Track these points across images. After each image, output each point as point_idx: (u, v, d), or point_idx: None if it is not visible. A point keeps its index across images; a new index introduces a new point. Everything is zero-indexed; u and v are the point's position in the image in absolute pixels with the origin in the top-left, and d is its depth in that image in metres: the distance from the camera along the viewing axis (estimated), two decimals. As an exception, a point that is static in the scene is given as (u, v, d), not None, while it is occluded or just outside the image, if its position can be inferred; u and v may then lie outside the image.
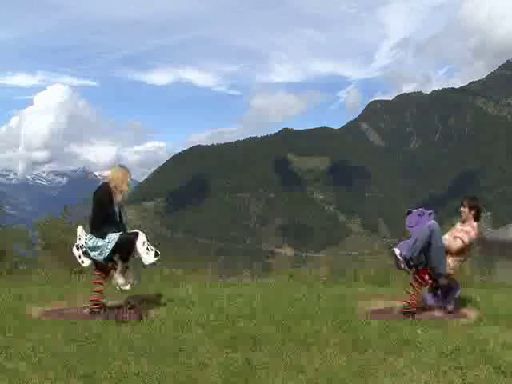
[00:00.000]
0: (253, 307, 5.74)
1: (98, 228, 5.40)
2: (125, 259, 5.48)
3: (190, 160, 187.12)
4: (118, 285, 5.47)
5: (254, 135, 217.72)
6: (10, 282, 8.05)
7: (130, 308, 5.45)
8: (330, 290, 7.44)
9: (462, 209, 5.68)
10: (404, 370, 3.59)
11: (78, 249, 5.49)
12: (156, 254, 5.44)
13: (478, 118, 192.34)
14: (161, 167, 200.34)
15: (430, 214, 5.59)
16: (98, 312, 5.40)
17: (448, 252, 5.43)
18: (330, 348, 4.10)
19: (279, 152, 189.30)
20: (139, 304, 5.73)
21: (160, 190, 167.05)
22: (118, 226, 5.53)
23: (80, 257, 5.48)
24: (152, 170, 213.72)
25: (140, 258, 5.47)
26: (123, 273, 5.49)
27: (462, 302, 6.14)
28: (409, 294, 5.47)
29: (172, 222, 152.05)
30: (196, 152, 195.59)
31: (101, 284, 5.54)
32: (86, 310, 5.51)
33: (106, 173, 6.04)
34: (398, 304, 5.63)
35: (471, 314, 5.45)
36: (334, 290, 7.40)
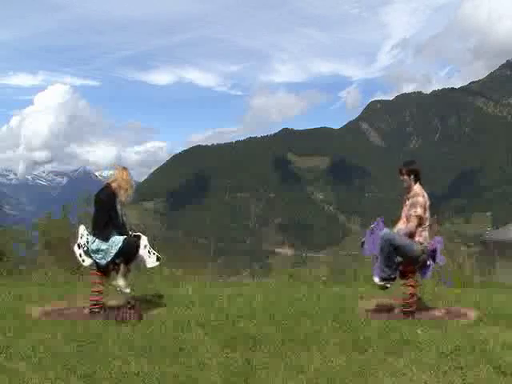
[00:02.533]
0: (253, 307, 5.74)
1: (101, 230, 5.37)
2: (127, 262, 5.47)
3: (190, 160, 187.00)
4: (119, 287, 5.46)
5: (254, 135, 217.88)
6: (10, 282, 8.05)
7: (130, 308, 5.45)
8: (329, 289, 7.44)
9: (401, 177, 5.58)
10: (404, 369, 3.59)
11: (79, 247, 5.46)
12: (158, 259, 5.47)
13: (478, 117, 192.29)
14: (161, 167, 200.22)
15: (377, 224, 5.65)
16: (98, 312, 5.40)
17: (412, 234, 5.41)
18: (330, 348, 4.11)
19: (279, 152, 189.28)
20: (139, 304, 5.74)
21: (160, 190, 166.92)
22: (120, 228, 5.49)
23: (81, 255, 5.45)
24: (152, 169, 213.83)
25: (142, 261, 5.49)
26: (125, 276, 5.48)
27: (462, 302, 6.14)
28: (407, 294, 5.47)
29: (172, 221, 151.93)
30: (196, 152, 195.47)
31: (100, 284, 5.54)
32: (86, 310, 5.51)
33: (109, 173, 6.03)
34: (398, 304, 5.63)
35: (471, 313, 5.45)
36: (334, 289, 7.40)
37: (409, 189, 5.59)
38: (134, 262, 5.55)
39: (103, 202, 5.43)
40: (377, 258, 5.54)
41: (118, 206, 5.53)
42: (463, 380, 3.40)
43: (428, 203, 5.49)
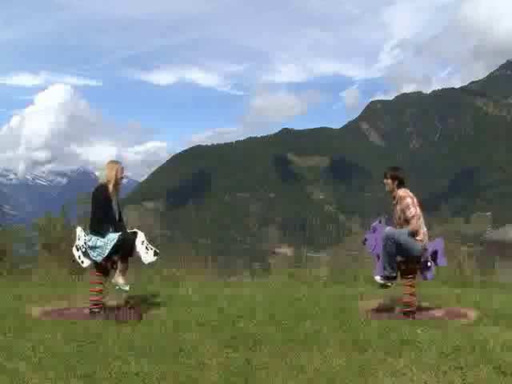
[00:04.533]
0: (253, 307, 5.74)
1: (97, 228, 5.42)
2: (124, 259, 5.49)
3: (189, 160, 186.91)
4: (118, 285, 5.48)
5: (254, 135, 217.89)
6: (10, 282, 8.05)
7: (129, 308, 5.45)
8: (329, 289, 7.44)
9: (385, 181, 5.66)
10: (404, 369, 3.59)
11: (77, 249, 5.50)
12: (155, 253, 5.47)
13: (478, 118, 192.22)
14: (161, 167, 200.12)
15: (379, 222, 5.66)
16: (98, 312, 5.40)
17: (415, 233, 5.44)
18: (330, 348, 4.10)
19: (279, 152, 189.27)
20: (139, 304, 5.74)
21: (160, 190, 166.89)
22: (117, 225, 5.55)
23: (80, 257, 5.49)
24: (152, 170, 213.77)
25: (139, 258, 5.50)
26: (123, 273, 5.50)
27: (462, 302, 6.14)
28: (407, 294, 5.47)
29: (172, 222, 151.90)
30: (196, 152, 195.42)
31: (100, 284, 5.54)
32: (86, 310, 5.51)
33: (98, 173, 6.09)
34: (398, 304, 5.63)
35: (471, 313, 5.45)
36: (334, 289, 7.40)
37: (391, 193, 5.65)
38: (131, 259, 5.54)
39: (97, 200, 5.51)
40: (379, 256, 5.54)
41: (114, 202, 5.59)
42: (463, 380, 3.40)
43: (416, 200, 5.53)
